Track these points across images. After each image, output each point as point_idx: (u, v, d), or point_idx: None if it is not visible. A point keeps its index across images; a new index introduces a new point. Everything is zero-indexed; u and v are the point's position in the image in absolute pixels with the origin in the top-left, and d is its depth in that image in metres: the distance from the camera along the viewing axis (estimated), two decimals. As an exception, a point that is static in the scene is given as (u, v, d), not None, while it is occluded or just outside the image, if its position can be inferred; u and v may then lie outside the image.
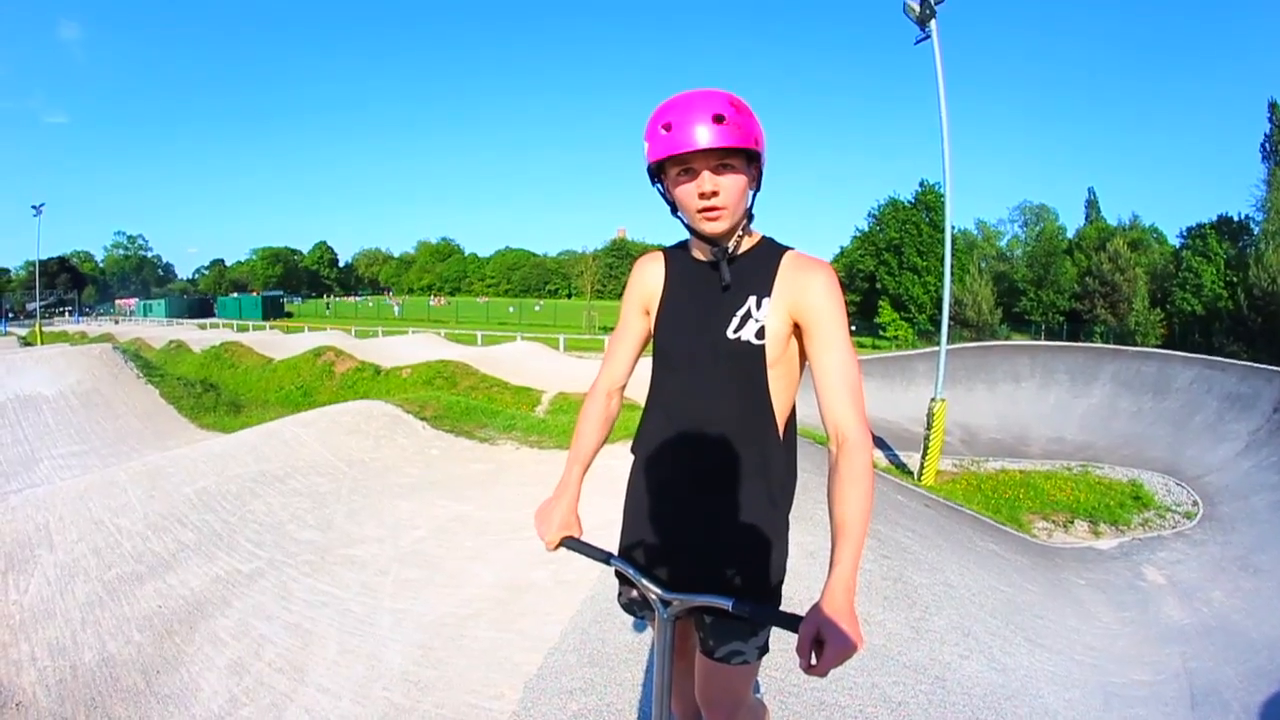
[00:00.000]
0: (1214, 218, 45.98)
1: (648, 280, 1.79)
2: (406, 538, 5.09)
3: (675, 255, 1.77)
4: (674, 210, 1.61)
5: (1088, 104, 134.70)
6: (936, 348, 12.76)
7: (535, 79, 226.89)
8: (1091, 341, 37.02)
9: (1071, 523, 9.87)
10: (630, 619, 3.52)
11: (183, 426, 15.22)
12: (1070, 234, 55.67)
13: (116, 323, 56.47)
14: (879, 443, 14.50)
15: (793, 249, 1.65)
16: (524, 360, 21.01)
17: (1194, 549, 8.15)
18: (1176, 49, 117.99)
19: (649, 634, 3.41)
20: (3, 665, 3.52)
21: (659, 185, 1.61)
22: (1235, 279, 40.94)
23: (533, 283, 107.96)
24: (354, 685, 3.32)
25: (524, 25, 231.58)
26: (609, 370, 1.88)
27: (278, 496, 5.76)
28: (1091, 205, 59.63)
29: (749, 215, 1.61)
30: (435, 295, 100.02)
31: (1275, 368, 13.32)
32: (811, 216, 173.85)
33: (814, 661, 1.26)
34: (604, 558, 1.68)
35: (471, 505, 5.66)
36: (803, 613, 1.32)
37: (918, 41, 12.79)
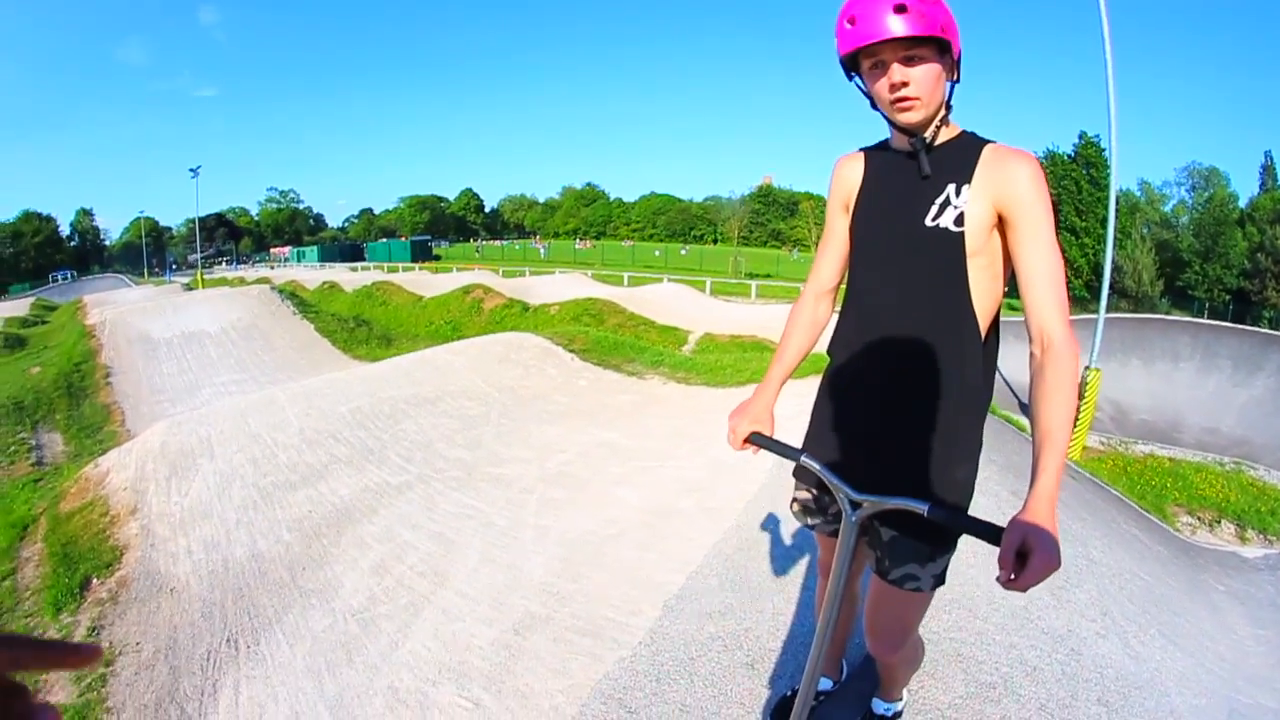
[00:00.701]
0: None
1: (847, 178, 1.77)
2: (553, 460, 5.27)
3: (874, 152, 1.75)
4: (873, 104, 1.60)
5: (1268, 56, 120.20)
6: (1091, 315, 12.02)
7: (681, 24, 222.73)
8: (1260, 326, 33.83)
9: (1218, 522, 9.25)
10: (777, 549, 3.59)
11: (336, 357, 16.20)
12: (1243, 203, 50.43)
13: (272, 268, 60.27)
14: (1025, 408, 13.88)
15: (996, 142, 1.60)
16: (670, 301, 21.18)
17: (1351, 575, 7.46)
18: None
19: (794, 566, 3.48)
20: (161, 557, 3.93)
21: (856, 79, 1.60)
22: None
23: (678, 228, 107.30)
24: (493, 592, 3.50)
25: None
26: (816, 274, 1.88)
27: (428, 417, 6.09)
28: (1268, 171, 53.52)
29: (947, 106, 1.59)
30: (581, 239, 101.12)
31: None
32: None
33: (1014, 576, 1.24)
34: (794, 454, 1.66)
35: (618, 434, 5.76)
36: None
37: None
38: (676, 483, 4.68)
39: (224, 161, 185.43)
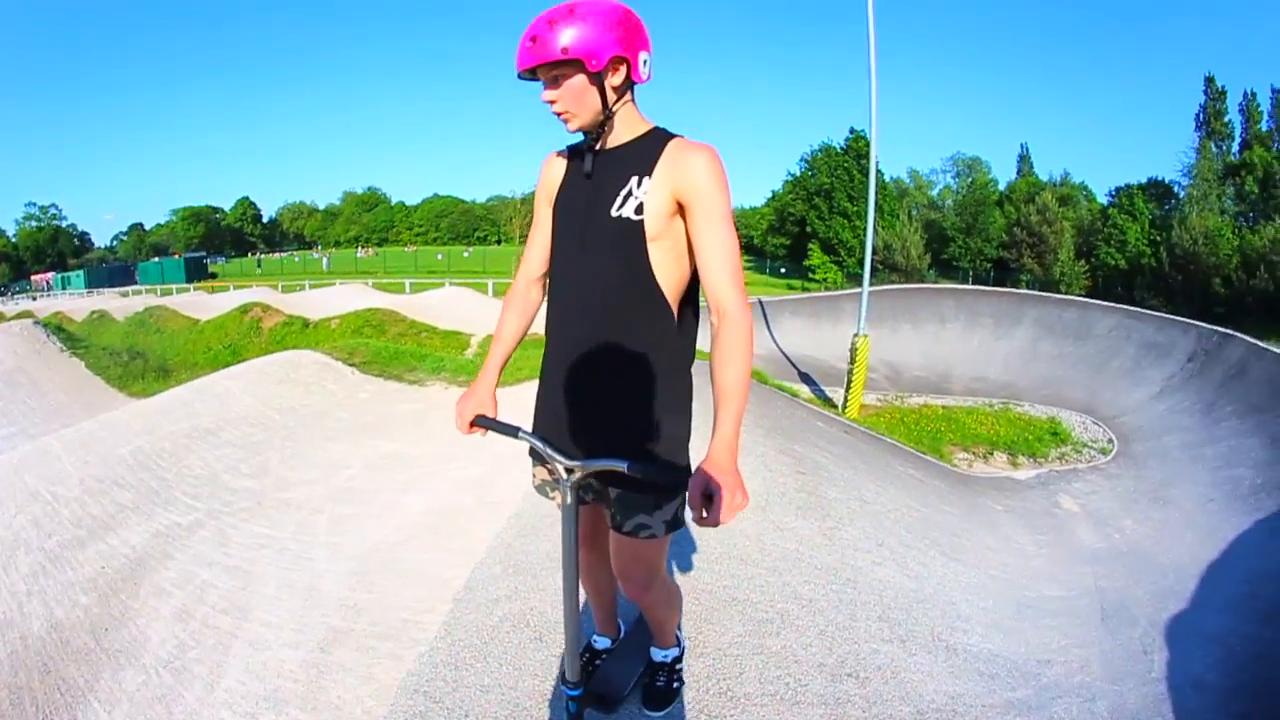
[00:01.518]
0: (1143, 180, 48.17)
1: (551, 173, 1.93)
2: (339, 477, 5.16)
3: (574, 150, 1.88)
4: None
5: (1025, 61, 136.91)
6: (859, 290, 13.07)
7: (454, 18, 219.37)
8: (1017, 289, 38.25)
9: (991, 454, 10.34)
10: (552, 530, 3.65)
11: (111, 397, 14.83)
12: (1001, 187, 57.17)
13: (34, 299, 53.81)
14: (805, 378, 14.94)
15: (681, 136, 1.75)
16: (452, 305, 21.07)
17: (1108, 482, 8.59)
18: (1118, 13, 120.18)
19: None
20: None
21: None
22: (1159, 238, 43.16)
23: (461, 230, 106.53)
24: (294, 616, 3.42)
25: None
26: (526, 262, 2.00)
27: (211, 449, 5.74)
28: (1024, 160, 61.26)
29: (609, 112, 1.69)
30: (363, 247, 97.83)
31: (1191, 321, 13.88)
32: (744, 159, 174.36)
33: (705, 514, 1.41)
34: (513, 431, 1.78)
35: (402, 443, 5.74)
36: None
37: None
38: (459, 483, 4.73)
39: None
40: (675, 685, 2.41)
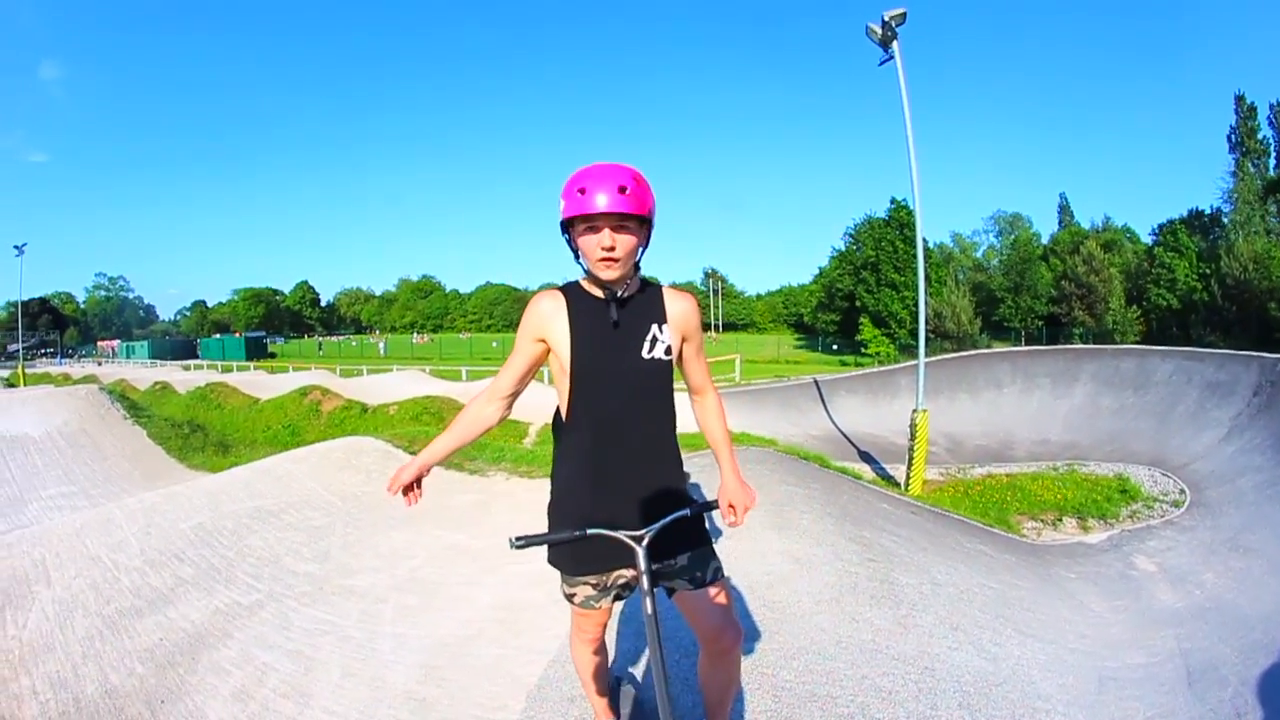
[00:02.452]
0: (1184, 213, 47.10)
1: (547, 313, 2.13)
2: (403, 567, 5.14)
3: (574, 293, 2.14)
4: (577, 258, 2.06)
5: (1054, 110, 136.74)
6: (917, 361, 12.93)
7: (507, 113, 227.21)
8: (1071, 344, 37.51)
9: (1060, 520, 9.97)
10: (626, 627, 3.65)
11: (171, 466, 15.09)
12: (1044, 240, 56.79)
13: (99, 364, 55.95)
14: (865, 457, 14.66)
15: (663, 285, 2.20)
16: None
17: (1183, 535, 8.24)
18: (1139, 47, 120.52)
19: (643, 639, 3.51)
20: (3, 699, 3.54)
21: (567, 235, 2.03)
22: (1208, 270, 42.05)
23: (515, 317, 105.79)
24: (359, 706, 3.37)
25: (494, 62, 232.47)
26: (497, 383, 2.26)
27: (273, 531, 5.79)
28: (1064, 210, 60.93)
29: (637, 267, 2.10)
30: (418, 333, 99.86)
31: (1252, 353, 13.44)
32: (790, 238, 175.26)
33: (735, 518, 2.17)
34: (578, 534, 2.00)
35: (465, 534, 5.72)
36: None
37: (881, 63, 13.04)
38: (525, 577, 4.69)
39: (50, 239, 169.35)
40: None
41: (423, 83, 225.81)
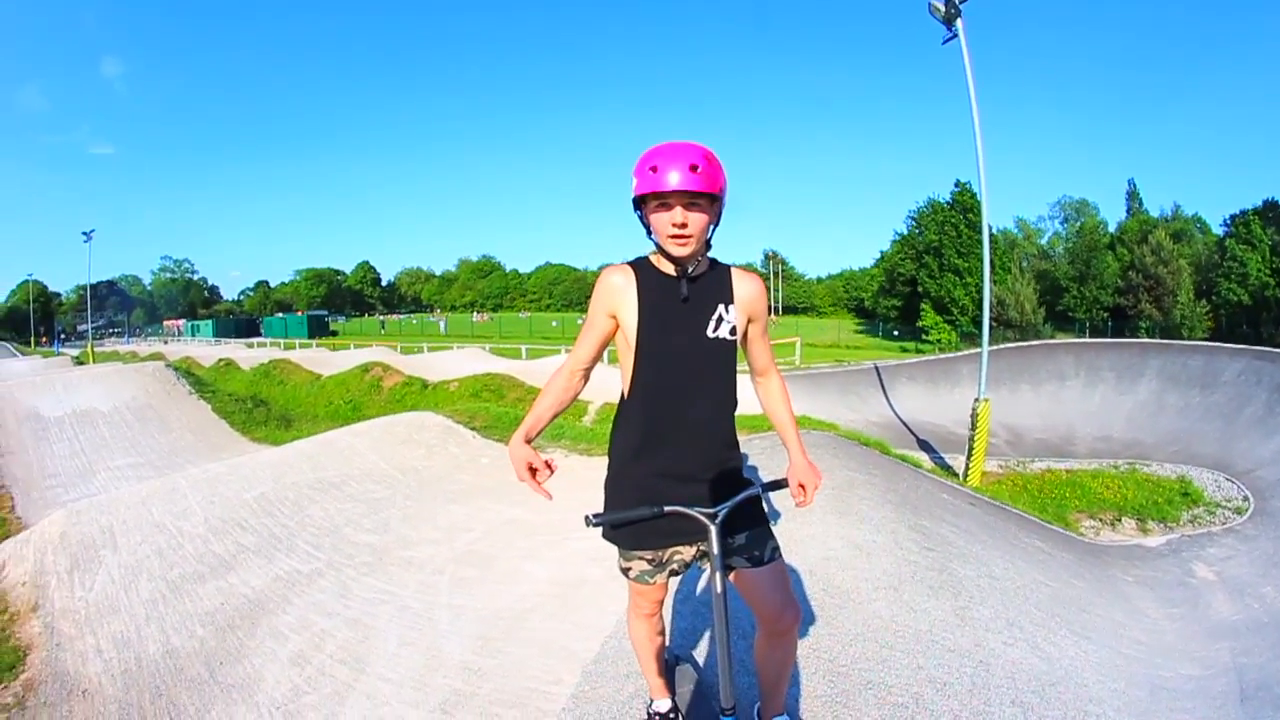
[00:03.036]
0: (1258, 204, 44.87)
1: (618, 287, 2.15)
2: (461, 540, 5.24)
3: (644, 268, 2.16)
4: (649, 234, 2.07)
5: (1125, 94, 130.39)
6: (979, 350, 12.69)
7: (573, 94, 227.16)
8: (1136, 337, 36.29)
9: (1119, 521, 9.78)
10: (684, 605, 3.71)
11: (234, 440, 15.57)
12: (1112, 228, 54.84)
13: (165, 343, 57.73)
14: (924, 445, 14.53)
15: (732, 265, 2.22)
16: None
17: (1245, 545, 8.01)
18: (1213, 32, 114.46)
19: (702, 618, 3.58)
20: (69, 657, 3.71)
21: (639, 212, 2.07)
22: None
23: (574, 297, 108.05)
24: (414, 674, 3.46)
25: (555, 43, 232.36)
26: (576, 355, 2.28)
27: (334, 502, 5.96)
28: (1132, 197, 58.59)
29: (708, 244, 2.11)
30: (478, 312, 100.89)
31: None
32: (851, 220, 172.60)
33: (804, 498, 2.19)
34: (655, 512, 2.04)
35: (523, 510, 5.78)
36: None
37: (945, 41, 12.77)
38: (583, 554, 4.74)
39: (117, 226, 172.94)
40: None
41: (481, 62, 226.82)
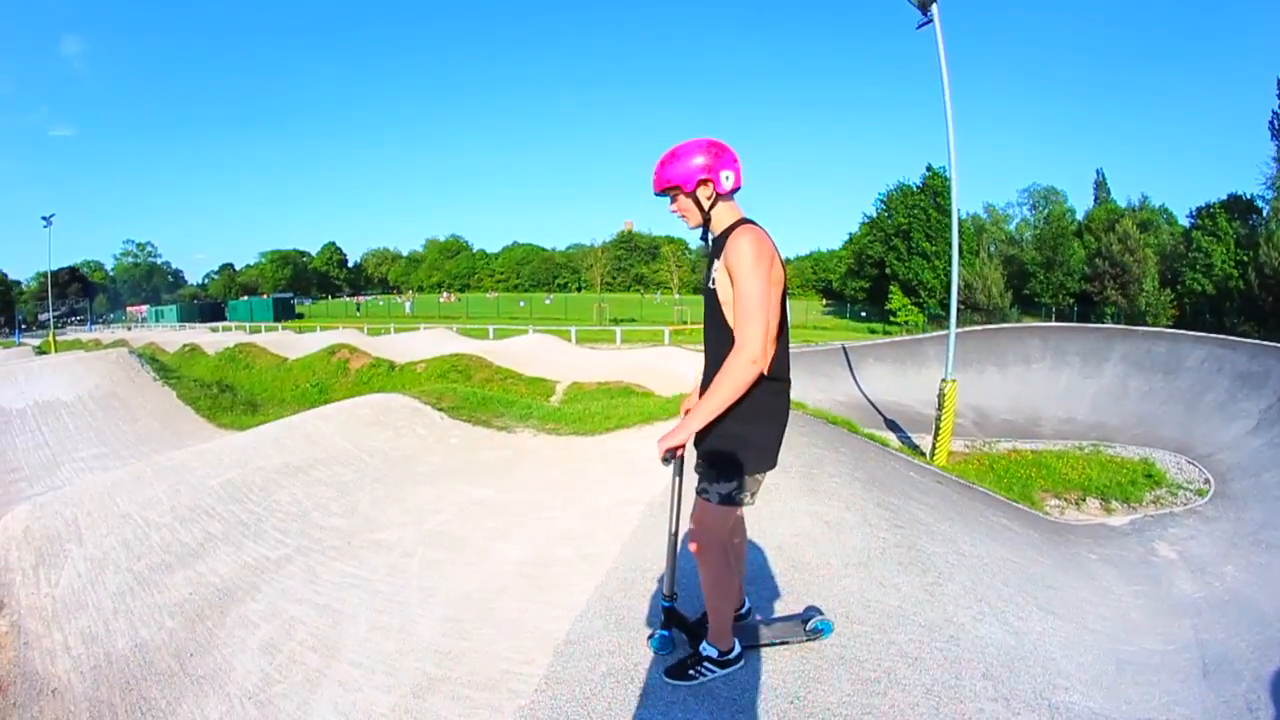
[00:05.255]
0: (1223, 197, 45.66)
1: None
2: (430, 521, 5.19)
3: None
4: None
5: (1095, 85, 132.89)
6: (947, 331, 12.80)
7: (537, 73, 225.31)
8: (1102, 323, 36.99)
9: (1084, 500, 9.92)
10: (653, 584, 3.70)
11: (200, 426, 15.33)
12: (1079, 216, 55.58)
13: (129, 329, 56.61)
14: (892, 425, 14.69)
15: (741, 226, 2.53)
16: (536, 352, 21.13)
17: (1206, 525, 8.18)
18: (1184, 28, 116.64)
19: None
20: (36, 655, 3.61)
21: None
22: (1246, 258, 41.02)
23: (542, 277, 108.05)
24: (386, 659, 3.42)
25: (523, 22, 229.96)
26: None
27: (302, 486, 5.86)
28: (1100, 186, 59.57)
29: (706, 215, 2.60)
30: (445, 292, 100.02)
31: None
32: (819, 203, 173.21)
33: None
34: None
35: (492, 489, 5.75)
36: None
37: (920, 26, 12.78)
38: (553, 533, 4.74)
39: (78, 209, 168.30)
40: (692, 673, 2.83)
41: (448, 41, 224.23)
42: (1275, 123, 44.21)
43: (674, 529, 2.71)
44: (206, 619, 3.93)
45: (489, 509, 5.39)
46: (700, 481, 2.63)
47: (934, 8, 12.38)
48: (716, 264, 2.52)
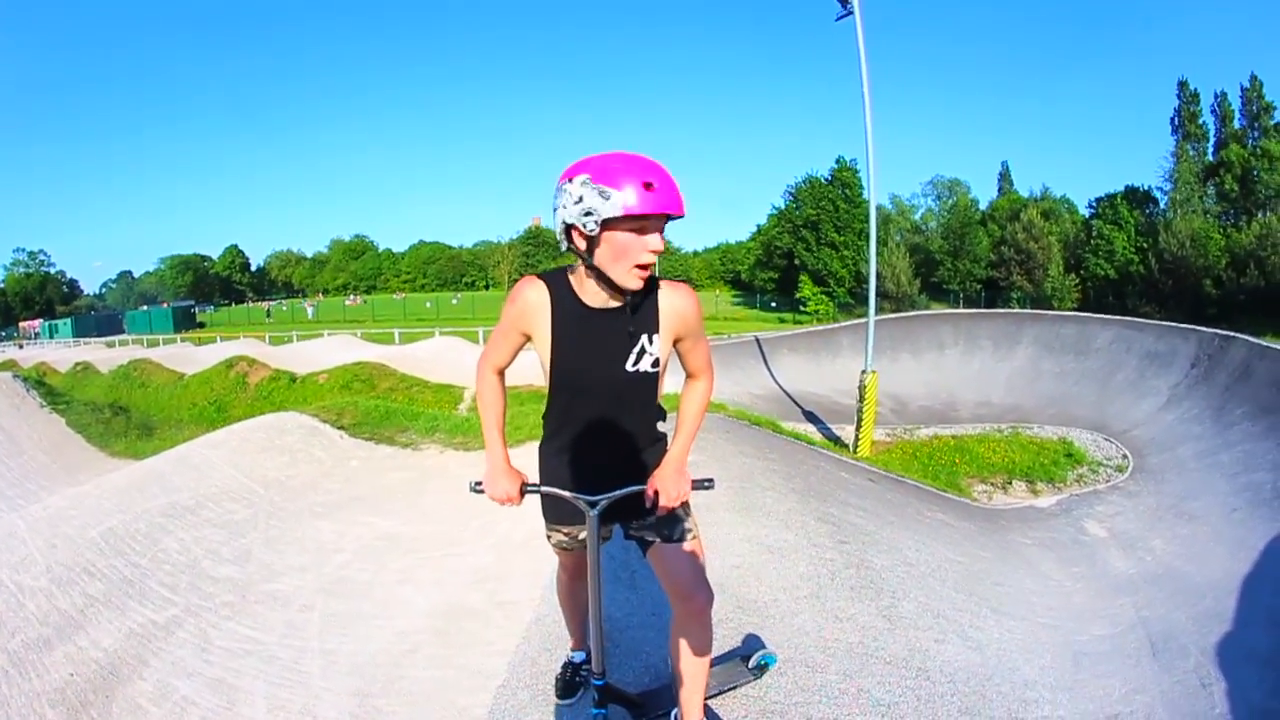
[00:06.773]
0: (1121, 189, 48.53)
1: (533, 303, 1.98)
2: (330, 564, 4.71)
3: (560, 289, 1.97)
4: (588, 261, 1.84)
5: (998, 78, 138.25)
6: (859, 320, 12.85)
7: (441, 69, 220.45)
8: (1009, 307, 38.53)
9: (1010, 484, 10.08)
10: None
11: (93, 456, 14.51)
12: (983, 206, 57.75)
13: (21, 347, 53.45)
14: (810, 416, 14.68)
15: (662, 281, 1.99)
16: (443, 356, 20.72)
17: (1130, 500, 8.35)
18: (1086, 23, 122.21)
19: (629, 589, 3.52)
20: None
21: (596, 232, 1.78)
22: (1145, 244, 43.69)
23: (449, 276, 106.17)
24: (288, 752, 2.96)
25: (419, 12, 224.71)
26: (494, 356, 2.15)
27: (190, 530, 5.26)
28: (1004, 178, 62.30)
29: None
30: (351, 295, 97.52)
31: (1190, 326, 13.76)
32: (727, 194, 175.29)
33: (651, 507, 2.01)
34: (534, 488, 2.11)
35: (396, 520, 5.33)
36: None
37: (839, 18, 12.73)
38: (464, 573, 4.34)
39: None
40: None
41: (344, 36, 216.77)
42: (1175, 120, 47.97)
43: (598, 596, 2.11)
44: (91, 706, 3.40)
45: (394, 544, 4.95)
46: (677, 525, 2.17)
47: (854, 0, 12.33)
48: (654, 338, 1.98)
